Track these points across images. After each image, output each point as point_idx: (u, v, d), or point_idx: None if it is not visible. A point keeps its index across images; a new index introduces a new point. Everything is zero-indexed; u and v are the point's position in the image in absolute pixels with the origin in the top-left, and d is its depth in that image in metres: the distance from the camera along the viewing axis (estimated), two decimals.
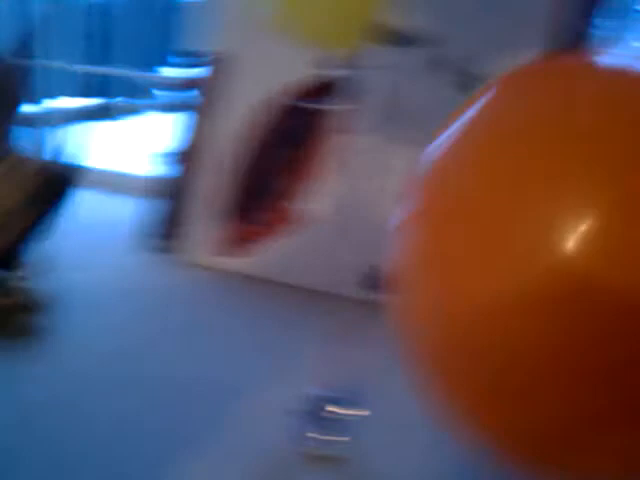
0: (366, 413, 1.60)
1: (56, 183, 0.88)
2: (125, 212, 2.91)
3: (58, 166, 0.87)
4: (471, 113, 1.19)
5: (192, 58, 2.69)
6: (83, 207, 2.10)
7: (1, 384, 1.66)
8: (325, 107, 2.34)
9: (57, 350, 1.85)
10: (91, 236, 2.77)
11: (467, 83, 2.22)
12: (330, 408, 1.57)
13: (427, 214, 1.15)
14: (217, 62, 2.59)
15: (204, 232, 2.53)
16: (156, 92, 4.74)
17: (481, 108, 1.19)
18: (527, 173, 1.00)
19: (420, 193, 1.20)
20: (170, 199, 2.63)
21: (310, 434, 1.52)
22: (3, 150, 0.88)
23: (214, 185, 2.52)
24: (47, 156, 0.90)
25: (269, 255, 2.42)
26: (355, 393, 1.66)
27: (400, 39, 2.20)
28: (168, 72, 4.57)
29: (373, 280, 2.28)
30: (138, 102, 5.29)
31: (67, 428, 1.57)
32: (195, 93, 2.66)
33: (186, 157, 2.62)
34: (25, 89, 0.90)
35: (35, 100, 3.84)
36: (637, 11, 3.13)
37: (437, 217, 1.13)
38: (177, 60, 4.69)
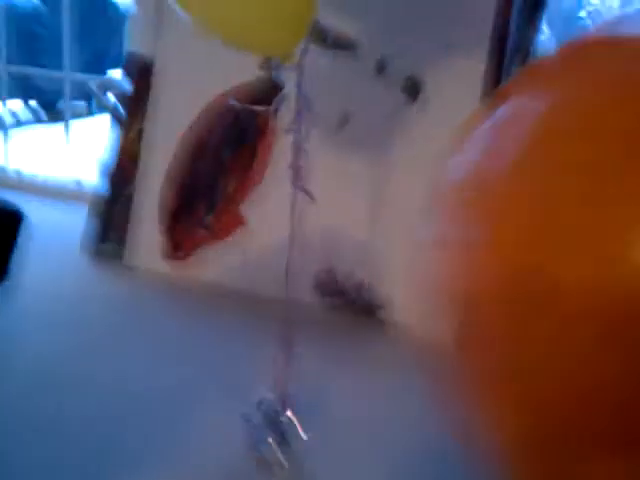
0: (319, 419, 1.60)
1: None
2: (70, 219, 2.86)
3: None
4: (499, 118, 1.12)
5: (118, 62, 2.66)
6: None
7: None
8: (269, 110, 2.34)
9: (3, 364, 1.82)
10: (35, 244, 2.70)
11: (413, 87, 2.25)
12: (284, 414, 1.56)
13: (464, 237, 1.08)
14: (137, 66, 2.56)
15: (149, 237, 2.49)
16: (107, 95, 4.67)
17: (509, 113, 1.11)
18: (593, 179, 0.91)
19: (452, 212, 1.13)
20: (115, 204, 2.59)
21: (264, 440, 1.51)
22: None
23: (156, 189, 2.49)
24: None
25: (215, 260, 2.39)
26: (309, 399, 1.65)
27: (344, 43, 2.21)
28: (118, 75, 4.51)
29: (327, 285, 2.28)
30: (88, 105, 5.21)
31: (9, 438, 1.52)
32: (120, 98, 2.64)
33: (124, 162, 2.59)
34: None
35: None
36: (581, 18, 3.20)
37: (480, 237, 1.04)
38: (106, 64, 4.68)
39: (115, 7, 5.03)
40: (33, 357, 1.88)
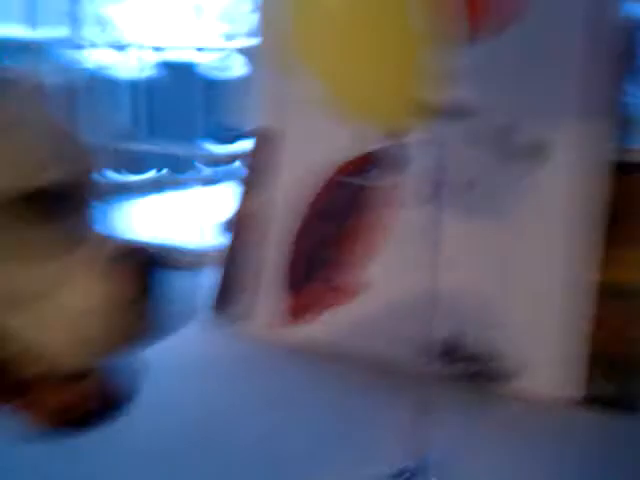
0: None
1: (146, 268, 0.76)
2: (180, 285, 2.96)
3: (143, 247, 0.74)
4: None
5: (236, 133, 2.77)
6: None
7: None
8: (372, 181, 2.38)
9: (127, 422, 1.86)
10: None
11: (511, 153, 2.24)
12: None
13: None
14: (261, 137, 2.67)
15: (263, 303, 2.54)
16: (201, 166, 4.87)
17: None
18: None
19: None
20: (227, 270, 2.67)
21: None
22: (76, 233, 0.72)
23: (269, 256, 2.55)
24: (124, 236, 0.77)
25: (336, 324, 2.41)
26: (435, 467, 1.61)
27: (443, 112, 2.23)
28: (212, 147, 4.72)
29: (454, 351, 2.24)
30: (184, 176, 5.43)
31: None
32: (240, 166, 2.73)
33: (239, 229, 2.68)
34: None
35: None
36: None
37: None
38: (221, 135, 4.86)
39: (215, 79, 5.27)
40: (159, 424, 1.87)
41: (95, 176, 0.77)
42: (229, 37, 4.88)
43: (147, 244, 0.76)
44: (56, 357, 0.69)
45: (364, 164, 2.43)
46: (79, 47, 3.43)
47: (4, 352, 0.69)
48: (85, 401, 0.76)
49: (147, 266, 0.74)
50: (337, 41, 1.56)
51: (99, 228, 0.75)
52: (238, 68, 4.67)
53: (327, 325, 2.43)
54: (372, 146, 2.40)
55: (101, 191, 0.78)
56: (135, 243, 0.75)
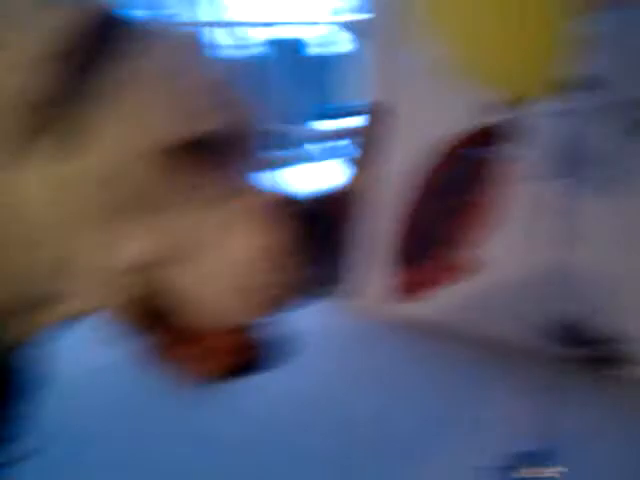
0: (562, 472, 1.51)
1: (306, 220, 0.74)
2: None
3: (303, 200, 0.72)
4: None
5: (347, 109, 2.75)
6: None
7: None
8: (492, 154, 2.30)
9: (242, 398, 1.91)
10: None
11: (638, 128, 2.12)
12: (523, 467, 1.50)
13: None
14: (376, 111, 2.63)
15: (373, 278, 2.53)
16: (308, 143, 4.90)
17: None
18: None
19: None
20: (338, 246, 2.67)
21: None
22: (236, 182, 0.71)
23: (381, 231, 2.53)
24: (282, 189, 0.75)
25: (441, 302, 2.38)
26: (549, 452, 1.57)
27: (573, 82, 2.14)
28: (320, 124, 4.72)
29: (561, 333, 2.18)
30: (291, 154, 5.49)
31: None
32: (352, 143, 2.71)
33: (349, 204, 2.66)
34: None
35: None
36: None
37: None
38: (329, 112, 4.87)
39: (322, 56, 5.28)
40: (269, 394, 1.84)
41: (255, 127, 0.76)
42: (337, 12, 4.88)
43: (305, 197, 0.74)
44: (217, 308, 0.69)
45: (485, 136, 2.36)
46: (194, 26, 3.50)
47: (167, 303, 0.70)
48: (240, 354, 0.76)
49: (308, 218, 0.72)
50: (473, 5, 1.52)
51: (259, 179, 0.74)
52: (346, 43, 4.66)
53: (441, 302, 2.40)
54: (493, 118, 2.33)
55: (259, 142, 0.78)
56: (294, 195, 0.73)
